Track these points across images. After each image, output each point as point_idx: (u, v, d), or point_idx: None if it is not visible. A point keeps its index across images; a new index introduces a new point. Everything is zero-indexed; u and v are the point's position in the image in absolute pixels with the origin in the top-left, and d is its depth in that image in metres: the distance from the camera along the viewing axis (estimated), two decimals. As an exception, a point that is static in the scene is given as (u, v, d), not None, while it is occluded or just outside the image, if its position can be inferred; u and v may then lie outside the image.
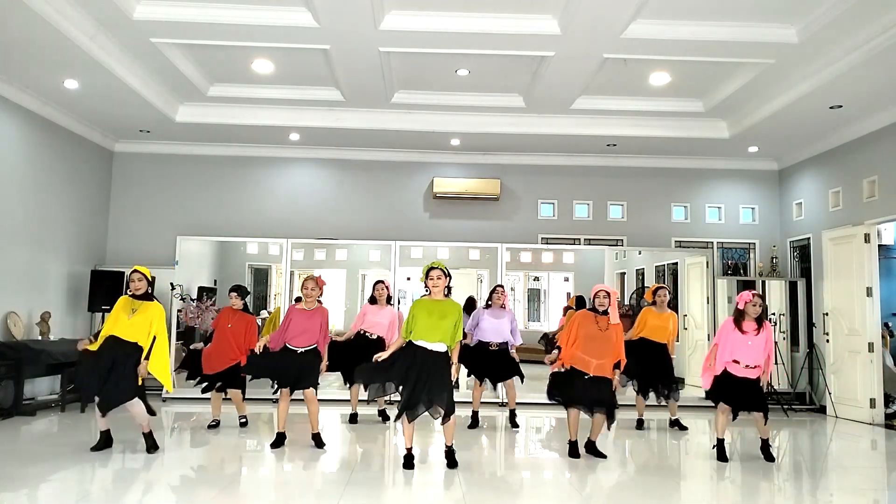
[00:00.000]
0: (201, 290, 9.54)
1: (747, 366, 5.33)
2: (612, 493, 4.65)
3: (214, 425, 6.43)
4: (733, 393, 5.36)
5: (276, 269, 9.79)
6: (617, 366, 5.37)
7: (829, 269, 8.24)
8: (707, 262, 9.07)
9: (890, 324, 8.46)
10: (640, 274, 9.99)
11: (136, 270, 5.37)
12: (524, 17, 5.95)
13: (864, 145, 7.87)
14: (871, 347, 7.60)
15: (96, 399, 5.12)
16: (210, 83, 7.76)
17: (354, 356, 6.33)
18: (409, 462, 4.90)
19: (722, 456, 5.40)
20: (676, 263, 9.61)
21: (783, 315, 9.05)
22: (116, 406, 5.11)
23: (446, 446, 5.00)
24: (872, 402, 7.55)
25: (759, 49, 6.22)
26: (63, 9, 5.62)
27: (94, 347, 5.15)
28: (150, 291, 5.41)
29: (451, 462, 4.96)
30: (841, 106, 7.22)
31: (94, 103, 7.68)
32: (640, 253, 9.82)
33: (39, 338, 7.47)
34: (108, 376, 5.04)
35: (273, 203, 9.46)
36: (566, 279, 11.07)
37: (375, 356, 4.98)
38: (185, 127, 8.58)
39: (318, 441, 5.61)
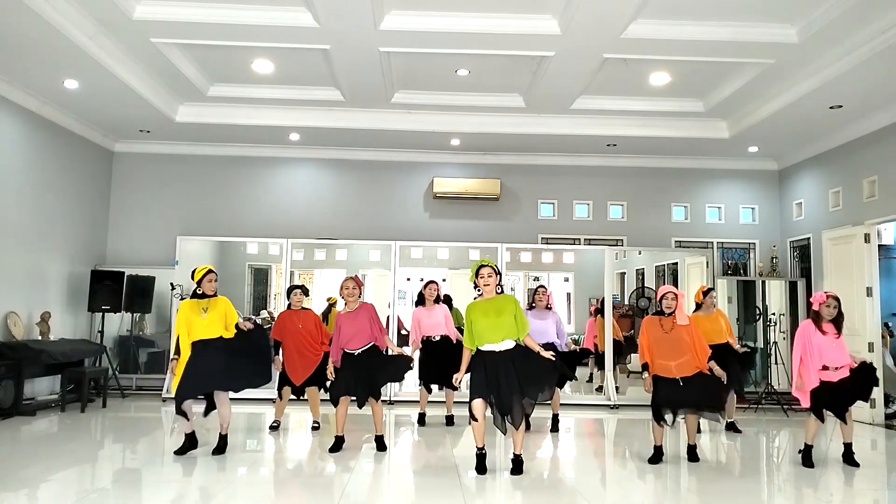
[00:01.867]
0: (201, 290, 9.54)
1: (837, 368, 5.19)
2: (615, 493, 4.65)
3: (276, 426, 6.36)
4: (834, 399, 5.21)
5: (276, 269, 9.79)
6: (711, 358, 5.22)
7: (829, 269, 8.23)
8: (707, 262, 9.07)
9: (890, 324, 8.45)
10: (640, 274, 9.99)
11: (211, 270, 5.36)
12: (524, 17, 5.95)
13: (864, 145, 7.87)
14: (871, 347, 7.60)
15: (192, 403, 5.20)
16: (210, 83, 7.76)
17: (436, 360, 6.55)
18: (481, 463, 4.80)
19: (808, 462, 5.31)
20: (676, 263, 9.61)
21: (783, 315, 9.05)
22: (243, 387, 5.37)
23: (514, 454, 4.86)
24: (872, 402, 7.53)
25: (759, 49, 6.22)
26: (63, 9, 5.62)
27: (182, 360, 5.19)
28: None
29: (517, 469, 4.82)
30: (841, 106, 7.22)
31: (94, 103, 7.68)
32: (640, 253, 9.82)
33: (39, 338, 7.46)
34: (223, 370, 5.15)
35: (273, 203, 9.46)
36: (566, 279, 11.06)
37: (455, 377, 4.97)
38: (185, 127, 8.58)
39: (380, 443, 5.53)
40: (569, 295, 11.06)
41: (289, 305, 6.43)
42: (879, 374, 7.49)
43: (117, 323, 8.77)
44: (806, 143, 8.69)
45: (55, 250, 8.11)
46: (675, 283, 9.44)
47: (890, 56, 5.87)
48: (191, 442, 5.31)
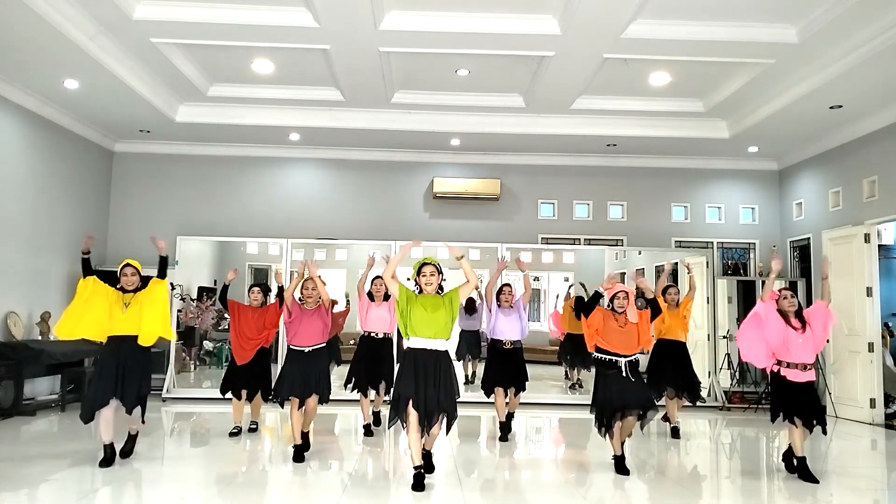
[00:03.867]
0: (201, 290, 9.55)
1: (806, 367, 4.87)
2: (614, 493, 4.66)
3: (236, 432, 6.13)
4: (797, 403, 4.88)
5: (276, 269, 9.78)
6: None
7: (829, 269, 8.21)
8: (707, 262, 9.06)
9: (890, 324, 8.45)
10: (640, 274, 9.97)
11: (128, 265, 5.11)
12: (524, 17, 5.95)
13: (864, 145, 7.87)
14: (871, 347, 7.60)
15: (108, 406, 4.89)
16: (210, 83, 7.76)
17: (366, 361, 6.32)
18: (419, 481, 4.48)
19: (807, 475, 4.91)
20: (676, 263, 9.58)
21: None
22: (137, 405, 4.96)
23: (425, 450, 4.71)
24: (872, 402, 7.55)
25: (759, 49, 6.22)
26: (63, 9, 5.62)
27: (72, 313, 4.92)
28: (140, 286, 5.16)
29: (429, 467, 4.67)
30: (841, 106, 7.22)
31: (94, 103, 7.68)
32: (640, 253, 9.81)
33: (39, 338, 7.47)
34: (122, 379, 4.88)
35: (273, 203, 9.46)
36: (566, 279, 11.05)
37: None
38: (185, 127, 8.58)
39: (299, 449, 5.28)
40: (569, 295, 11.04)
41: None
42: (879, 374, 7.55)
43: (117, 323, 8.75)
44: (806, 143, 8.69)
45: (55, 250, 8.11)
46: (675, 284, 9.41)
47: (890, 56, 5.87)
48: (112, 453, 4.95)
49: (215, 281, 9.93)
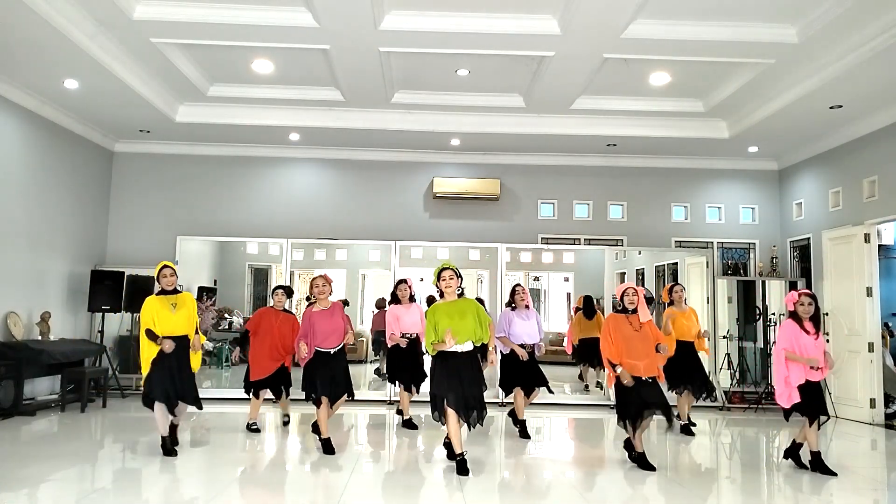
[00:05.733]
0: (201, 289, 9.55)
1: (818, 368, 5.07)
2: (615, 493, 4.66)
3: (256, 429, 6.33)
4: (815, 399, 5.08)
5: (276, 269, 9.80)
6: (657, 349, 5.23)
7: (829, 269, 8.24)
8: (707, 262, 9.07)
9: (890, 324, 8.46)
10: (640, 274, 9.99)
11: (167, 266, 5.40)
12: (524, 17, 5.96)
13: (864, 145, 7.87)
14: (871, 347, 7.61)
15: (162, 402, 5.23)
16: (210, 83, 7.76)
17: (403, 359, 6.59)
18: (463, 467, 4.83)
19: (825, 469, 5.12)
20: (676, 263, 9.60)
21: (783, 315, 9.04)
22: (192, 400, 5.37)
23: (458, 454, 4.89)
24: (872, 402, 7.55)
25: (759, 49, 6.22)
26: (63, 9, 5.62)
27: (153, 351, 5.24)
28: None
29: (464, 469, 4.84)
30: (841, 106, 7.22)
31: (94, 103, 7.68)
32: (640, 253, 9.82)
33: (39, 338, 7.46)
34: (179, 375, 5.24)
35: (273, 203, 9.46)
36: (566, 279, 11.07)
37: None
38: (185, 127, 8.58)
39: (327, 445, 5.48)
40: (569, 295, 11.06)
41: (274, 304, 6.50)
42: (879, 374, 7.55)
43: (117, 323, 8.77)
44: (806, 143, 8.69)
45: (55, 250, 8.11)
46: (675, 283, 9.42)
47: (890, 56, 5.87)
48: (174, 440, 5.45)
49: (215, 281, 9.95)
